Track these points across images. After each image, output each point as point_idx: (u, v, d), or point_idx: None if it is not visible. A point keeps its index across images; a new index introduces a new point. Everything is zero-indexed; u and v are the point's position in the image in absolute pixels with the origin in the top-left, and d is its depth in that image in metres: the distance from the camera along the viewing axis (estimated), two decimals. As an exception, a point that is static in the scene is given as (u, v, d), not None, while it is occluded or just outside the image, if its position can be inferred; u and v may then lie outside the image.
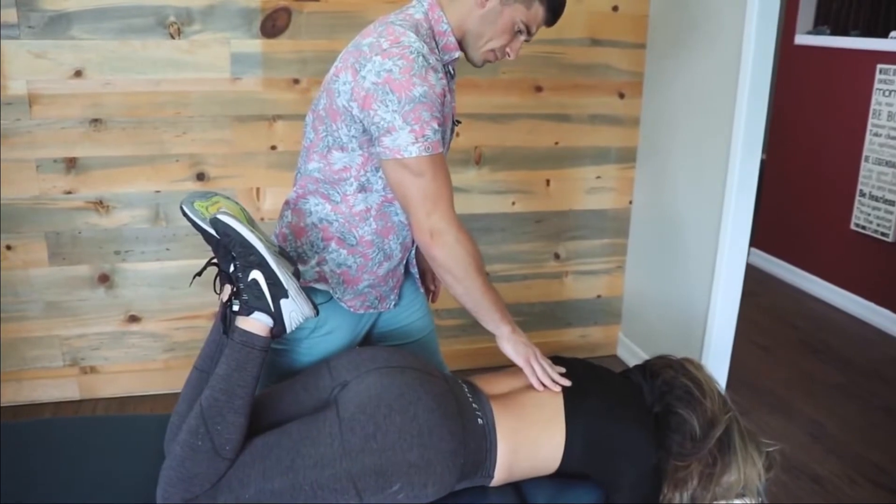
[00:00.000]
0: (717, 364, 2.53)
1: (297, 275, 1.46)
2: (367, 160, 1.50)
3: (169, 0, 2.41)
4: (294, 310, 1.39)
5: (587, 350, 3.13)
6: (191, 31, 2.44)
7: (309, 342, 1.60)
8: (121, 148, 2.50)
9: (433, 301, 1.94)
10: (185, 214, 1.43)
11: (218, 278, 1.47)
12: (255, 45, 2.49)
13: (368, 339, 1.74)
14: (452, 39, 1.54)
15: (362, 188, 1.53)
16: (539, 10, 1.53)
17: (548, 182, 2.91)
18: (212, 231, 1.40)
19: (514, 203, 2.89)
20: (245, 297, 1.38)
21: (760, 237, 4.38)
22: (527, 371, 1.52)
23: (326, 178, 1.53)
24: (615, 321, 3.17)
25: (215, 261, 1.47)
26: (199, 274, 1.50)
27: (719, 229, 2.49)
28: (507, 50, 1.57)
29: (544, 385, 1.51)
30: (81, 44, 2.39)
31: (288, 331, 1.41)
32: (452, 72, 1.59)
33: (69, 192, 2.51)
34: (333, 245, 1.57)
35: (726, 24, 2.40)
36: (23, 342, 2.62)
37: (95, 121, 2.46)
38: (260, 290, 1.37)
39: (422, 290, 1.84)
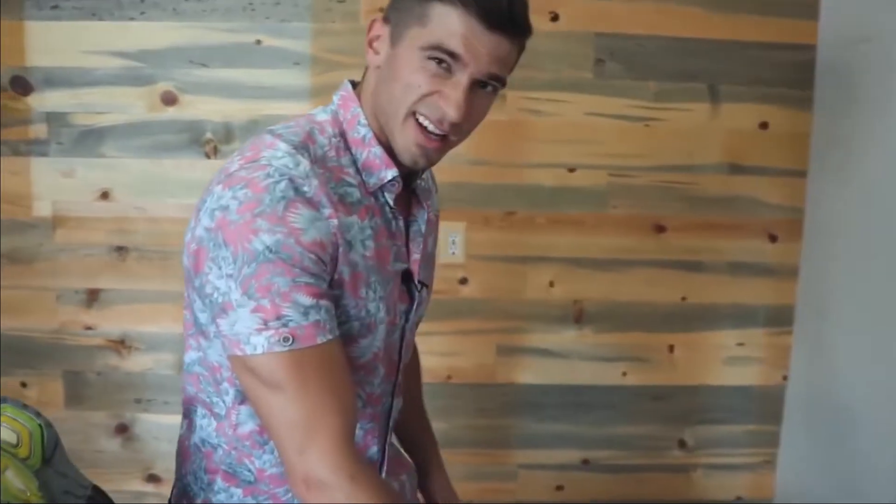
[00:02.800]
0: None
1: None
2: None
3: (207, 114, 2.07)
4: None
5: (723, 570, 2.37)
6: (229, 150, 2.07)
7: None
8: (147, 281, 2.14)
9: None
10: None
11: None
12: (300, 167, 2.09)
13: None
14: (378, 150, 0.98)
15: (244, 398, 0.98)
16: (446, 12, 0.90)
17: (671, 348, 2.25)
18: None
19: (625, 374, 2.25)
20: None
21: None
22: None
23: (206, 377, 1.01)
24: (763, 532, 2.39)
25: None
26: None
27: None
28: (440, 103, 0.93)
29: None
30: (111, 162, 2.09)
31: None
32: (392, 205, 1.01)
33: (89, 328, 2.17)
34: (220, 482, 1.03)
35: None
36: (31, 496, 2.27)
37: (120, 248, 2.13)
38: None
39: None
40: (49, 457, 0.99)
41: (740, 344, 2.25)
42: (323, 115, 1.00)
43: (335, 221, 0.90)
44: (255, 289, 0.85)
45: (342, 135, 0.99)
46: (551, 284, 2.19)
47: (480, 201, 2.14)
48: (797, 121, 2.16)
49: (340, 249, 0.91)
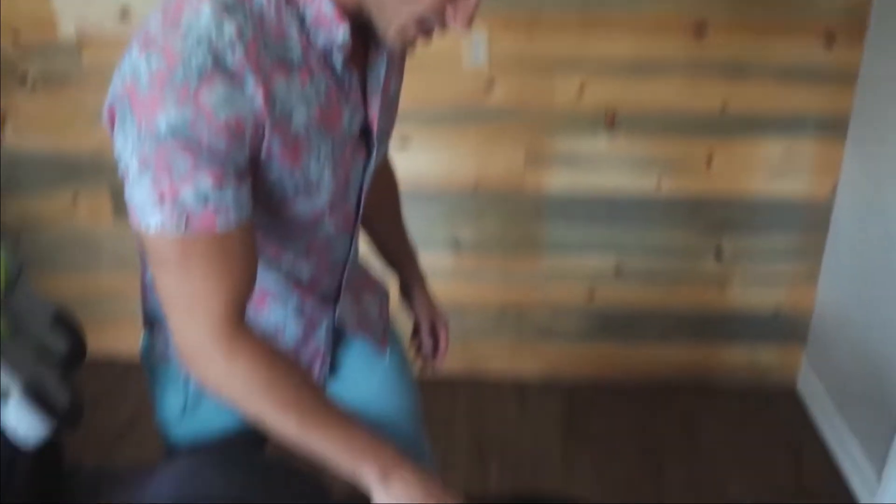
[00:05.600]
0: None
1: (75, 359, 1.08)
2: None
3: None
4: (21, 422, 0.96)
5: (754, 378, 2.38)
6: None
7: (186, 425, 1.21)
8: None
9: (429, 367, 1.41)
10: None
11: None
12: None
13: None
14: (328, 8, 0.87)
15: None
16: None
17: (710, 158, 2.13)
18: None
19: (660, 182, 2.17)
20: None
21: None
22: None
23: None
24: (799, 343, 2.36)
25: None
26: None
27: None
28: (449, 13, 0.87)
29: None
30: (126, -22, 2.05)
31: (24, 444, 0.99)
32: (339, 65, 0.92)
33: (128, 146, 2.25)
34: None
35: None
36: (93, 297, 2.48)
37: (146, 67, 2.14)
38: None
39: (386, 352, 1.30)
40: (13, 282, 1.06)
41: (786, 153, 2.10)
42: None
43: (260, 97, 0.82)
44: (155, 167, 0.80)
45: None
46: (581, 90, 2.08)
47: (502, 2, 1.99)
48: None
49: (267, 126, 0.84)
